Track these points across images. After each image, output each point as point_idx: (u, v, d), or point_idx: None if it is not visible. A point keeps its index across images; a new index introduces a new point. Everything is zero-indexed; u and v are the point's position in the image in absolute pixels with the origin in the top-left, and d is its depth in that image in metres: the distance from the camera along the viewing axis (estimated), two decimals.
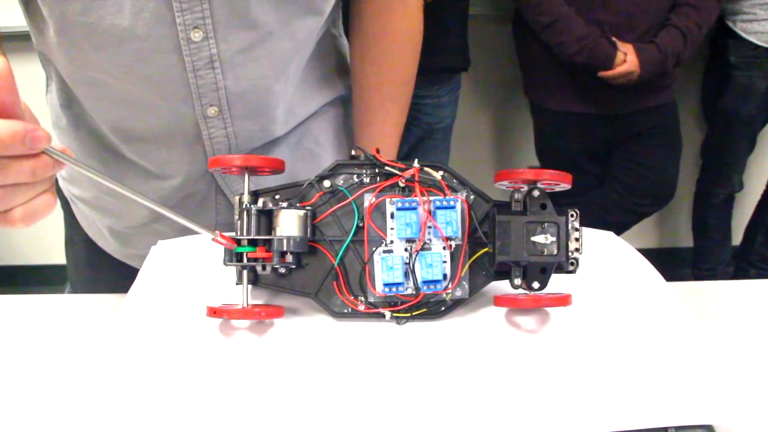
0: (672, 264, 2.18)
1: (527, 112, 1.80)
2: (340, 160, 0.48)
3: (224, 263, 0.47)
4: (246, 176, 0.47)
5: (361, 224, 0.47)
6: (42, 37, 0.58)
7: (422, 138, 1.63)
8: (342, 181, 0.48)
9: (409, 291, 0.46)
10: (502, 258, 0.46)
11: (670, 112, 1.69)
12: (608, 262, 0.55)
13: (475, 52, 1.66)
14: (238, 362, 0.45)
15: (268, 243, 0.46)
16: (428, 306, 0.48)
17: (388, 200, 0.47)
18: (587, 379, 0.43)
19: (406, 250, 0.47)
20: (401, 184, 0.47)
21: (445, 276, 0.46)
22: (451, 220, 0.46)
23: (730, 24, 1.72)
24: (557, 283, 0.46)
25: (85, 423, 0.40)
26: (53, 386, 0.49)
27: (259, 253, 0.46)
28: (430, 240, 0.47)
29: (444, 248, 0.46)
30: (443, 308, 0.48)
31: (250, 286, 0.47)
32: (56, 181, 0.73)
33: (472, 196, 0.48)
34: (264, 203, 0.47)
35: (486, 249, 0.47)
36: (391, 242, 0.47)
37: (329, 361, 0.45)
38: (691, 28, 1.51)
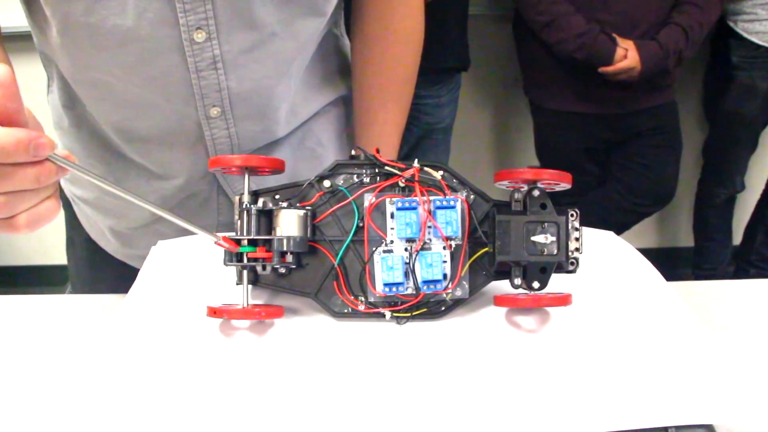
0: (672, 264, 2.18)
1: (527, 111, 1.80)
2: (340, 160, 0.48)
3: (224, 263, 0.47)
4: (246, 176, 0.47)
5: (361, 224, 0.47)
6: (44, 37, 0.58)
7: (422, 138, 1.63)
8: (342, 181, 0.48)
9: (409, 291, 0.46)
10: (502, 258, 0.46)
11: (671, 112, 1.69)
12: (608, 262, 0.55)
13: (475, 52, 1.66)
14: (238, 362, 0.45)
15: (268, 243, 0.46)
16: (428, 306, 0.48)
17: (388, 200, 0.47)
18: (587, 378, 0.43)
19: (406, 249, 0.47)
20: (401, 184, 0.47)
21: (445, 276, 0.46)
22: (451, 220, 0.46)
23: (732, 24, 1.71)
24: (557, 282, 0.46)
25: (86, 423, 0.40)
26: (54, 386, 0.49)
27: (259, 253, 0.46)
28: (430, 240, 0.47)
29: (444, 248, 0.46)
30: (443, 308, 0.48)
31: (250, 286, 0.47)
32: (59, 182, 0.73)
33: (472, 196, 0.48)
34: (264, 203, 0.47)
35: (486, 249, 0.47)
36: (391, 242, 0.47)
37: (329, 361, 0.45)
38: (692, 26, 1.51)
